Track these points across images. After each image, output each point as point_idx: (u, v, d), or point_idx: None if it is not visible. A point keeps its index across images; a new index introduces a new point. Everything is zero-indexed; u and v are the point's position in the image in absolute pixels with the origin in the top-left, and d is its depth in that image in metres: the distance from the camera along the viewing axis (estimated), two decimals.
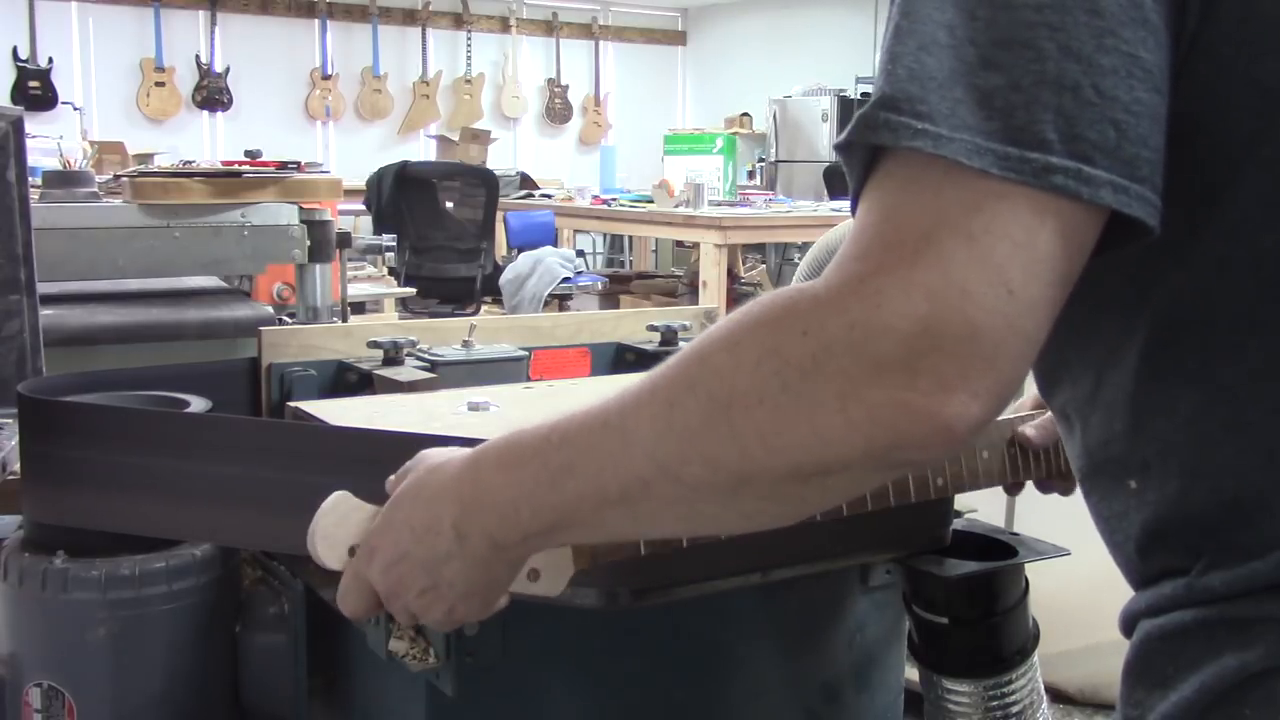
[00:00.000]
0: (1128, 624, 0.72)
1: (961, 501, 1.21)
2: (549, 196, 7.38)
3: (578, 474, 0.66)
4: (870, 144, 0.59)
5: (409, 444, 1.02)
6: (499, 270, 6.39)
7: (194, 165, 3.06)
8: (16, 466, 1.22)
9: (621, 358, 1.56)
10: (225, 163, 3.15)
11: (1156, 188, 0.58)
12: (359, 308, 4.26)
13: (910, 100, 0.57)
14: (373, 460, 1.01)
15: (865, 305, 0.56)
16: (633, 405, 0.64)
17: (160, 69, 8.74)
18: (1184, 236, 0.62)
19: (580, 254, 7.89)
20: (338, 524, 0.81)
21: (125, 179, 2.51)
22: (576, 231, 7.79)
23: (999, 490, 1.10)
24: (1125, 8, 0.57)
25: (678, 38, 11.12)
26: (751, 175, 9.26)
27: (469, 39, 9.90)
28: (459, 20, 9.90)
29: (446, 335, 1.47)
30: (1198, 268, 0.63)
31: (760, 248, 7.45)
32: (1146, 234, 0.58)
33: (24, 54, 8.29)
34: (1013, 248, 0.56)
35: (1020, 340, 0.56)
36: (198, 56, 8.92)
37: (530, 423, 0.70)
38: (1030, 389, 1.08)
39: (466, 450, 0.74)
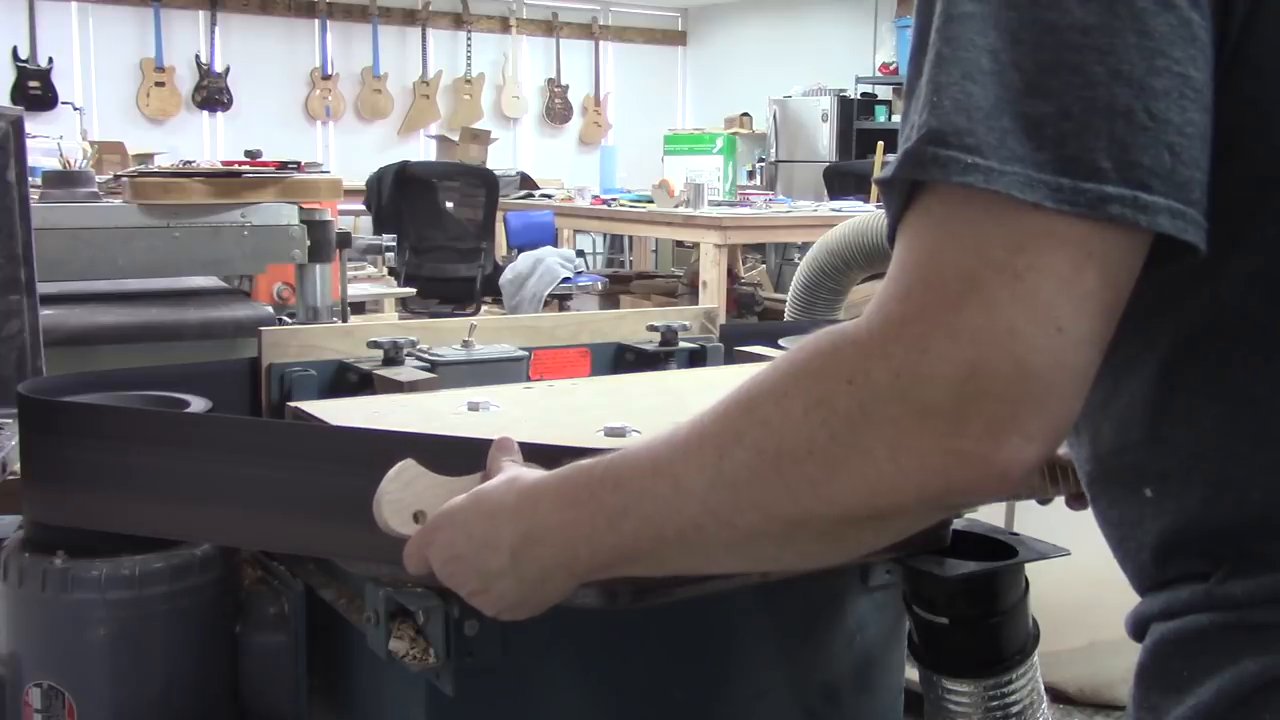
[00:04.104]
0: (1138, 627, 0.72)
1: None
2: (549, 196, 7.38)
3: (633, 517, 0.67)
4: (913, 181, 0.57)
5: (409, 444, 1.02)
6: (499, 270, 6.40)
7: (194, 165, 3.07)
8: (16, 466, 1.22)
9: (621, 358, 1.56)
10: (225, 163, 3.15)
11: (1204, 208, 0.57)
12: (359, 308, 4.26)
13: (958, 133, 0.56)
14: (373, 460, 1.01)
15: (910, 351, 0.55)
16: (682, 453, 0.64)
17: (160, 69, 8.74)
18: (1218, 251, 0.60)
19: (580, 254, 7.90)
20: (403, 489, 0.84)
21: (125, 179, 2.51)
22: (576, 231, 7.79)
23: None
24: (1175, 27, 0.56)
25: (678, 38, 11.12)
26: (751, 175, 9.26)
27: (469, 39, 9.90)
28: (459, 20, 9.90)
29: (446, 335, 1.47)
30: (1229, 281, 0.62)
31: (760, 248, 7.45)
32: (1193, 255, 0.57)
33: (24, 54, 8.29)
34: (1060, 283, 0.54)
35: (1072, 377, 0.55)
36: (198, 56, 8.93)
37: (581, 461, 0.72)
38: None
39: (530, 476, 0.76)
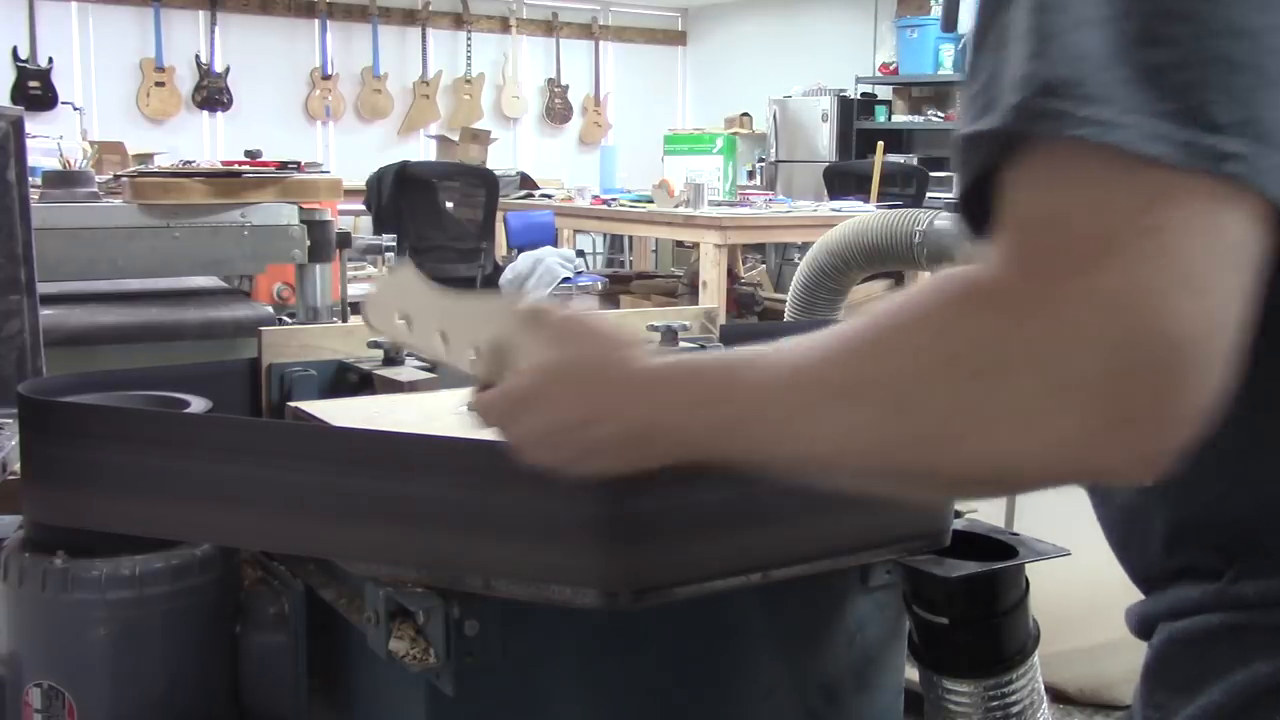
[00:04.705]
0: (1144, 624, 0.71)
1: (961, 501, 1.21)
2: (549, 196, 7.38)
3: (752, 431, 0.66)
4: (1023, 134, 0.54)
5: (409, 444, 1.02)
6: (499, 270, 6.40)
7: (194, 165, 3.07)
8: (16, 466, 1.22)
9: None
10: (225, 163, 3.15)
11: None
12: (359, 308, 4.26)
13: (1072, 83, 0.52)
14: (373, 460, 1.01)
15: (1045, 321, 0.52)
16: (809, 387, 0.62)
17: (160, 69, 8.74)
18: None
19: (580, 254, 7.89)
20: (394, 293, 0.82)
21: (125, 179, 2.51)
22: (576, 231, 7.79)
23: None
24: None
25: (678, 38, 11.12)
26: (751, 175, 9.26)
27: (469, 39, 9.89)
28: (459, 20, 9.90)
29: None
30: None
31: (760, 248, 7.44)
32: None
33: (24, 54, 8.29)
34: (1198, 242, 0.51)
35: (1220, 342, 0.51)
36: (198, 56, 8.92)
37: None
38: None
39: (638, 360, 0.74)
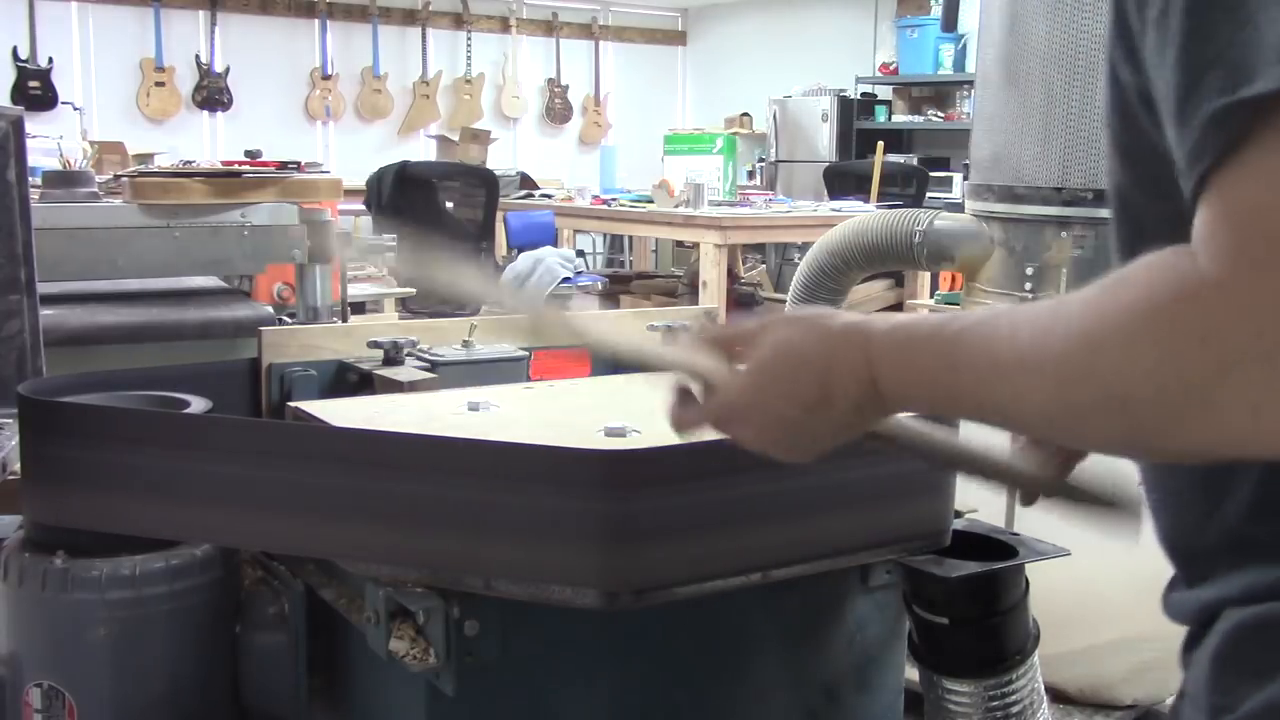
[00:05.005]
0: (1206, 611, 0.71)
1: (961, 501, 1.21)
2: (549, 196, 7.38)
3: (964, 401, 0.68)
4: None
5: (409, 444, 1.02)
6: (499, 270, 6.39)
7: (194, 165, 3.06)
8: (16, 466, 1.22)
9: None
10: (225, 163, 3.15)
11: None
12: (359, 308, 4.26)
13: None
14: (373, 460, 1.01)
15: (1273, 308, 0.53)
16: (1022, 365, 0.63)
17: (160, 69, 8.73)
18: None
19: (580, 254, 7.89)
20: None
21: (125, 179, 2.51)
22: (576, 231, 7.79)
23: (999, 490, 1.10)
24: None
25: (678, 38, 11.11)
26: (751, 175, 9.25)
27: (469, 39, 9.89)
28: (459, 20, 9.89)
29: (446, 335, 1.47)
30: None
31: (760, 248, 7.44)
32: None
33: (24, 54, 8.29)
34: None
35: None
36: (198, 56, 8.92)
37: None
38: None
39: (840, 330, 0.74)
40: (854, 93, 9.13)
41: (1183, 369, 0.55)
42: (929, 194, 6.93)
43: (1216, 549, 0.71)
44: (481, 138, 8.78)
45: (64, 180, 2.48)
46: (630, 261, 8.97)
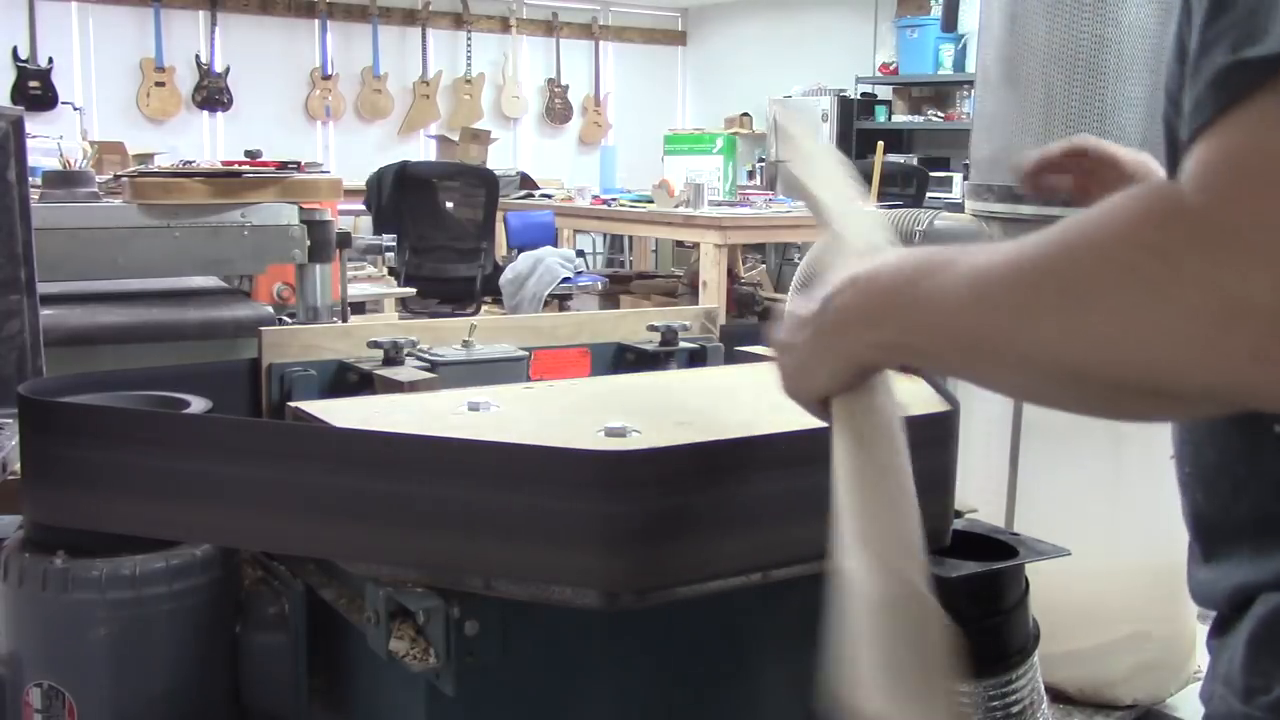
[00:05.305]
0: (1241, 595, 0.71)
1: (961, 501, 1.21)
2: (549, 196, 7.38)
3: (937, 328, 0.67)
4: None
5: (409, 444, 1.02)
6: (499, 270, 6.40)
7: (194, 165, 3.07)
8: (16, 466, 1.22)
9: (622, 358, 1.56)
10: (225, 163, 3.15)
11: None
12: (359, 308, 4.26)
13: None
14: (373, 460, 1.01)
15: (1230, 241, 0.52)
16: (996, 275, 0.63)
17: (160, 69, 8.74)
18: None
19: (580, 254, 7.90)
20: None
21: (125, 179, 2.51)
22: (576, 231, 7.79)
23: (999, 490, 1.10)
24: None
25: (678, 38, 11.12)
26: (751, 175, 9.26)
27: (469, 39, 9.89)
28: (459, 20, 9.90)
29: (446, 335, 1.47)
30: None
31: (760, 248, 7.45)
32: None
33: (24, 54, 8.29)
34: None
35: None
36: (198, 56, 8.92)
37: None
38: None
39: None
40: (854, 93, 9.14)
41: (1133, 281, 0.55)
42: (929, 194, 6.94)
43: (1243, 527, 0.71)
44: (481, 138, 8.78)
45: (64, 180, 2.48)
46: (630, 261, 8.97)
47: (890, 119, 9.02)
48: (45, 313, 1.67)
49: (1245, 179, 0.53)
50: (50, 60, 8.35)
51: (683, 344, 1.56)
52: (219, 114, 9.04)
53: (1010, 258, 0.62)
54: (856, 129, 9.00)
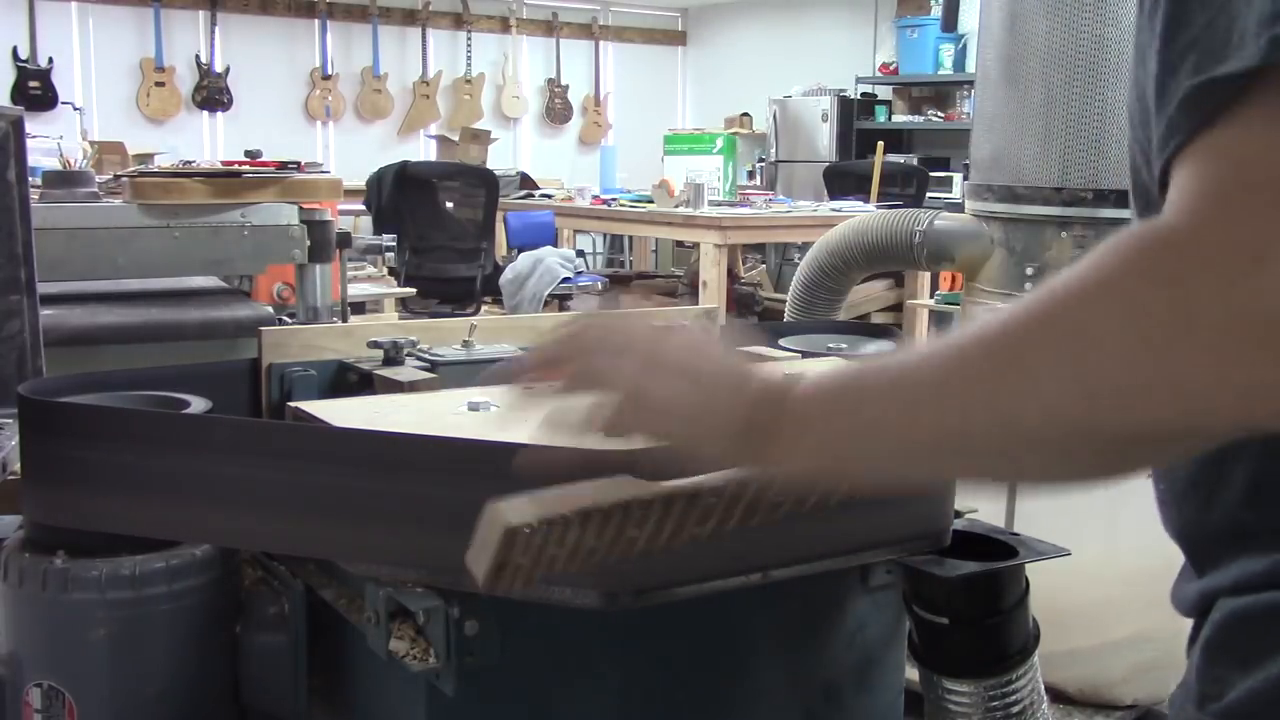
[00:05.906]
0: (1204, 600, 0.71)
1: (961, 501, 1.21)
2: (549, 196, 7.38)
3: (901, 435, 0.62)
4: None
5: (409, 444, 1.02)
6: (499, 270, 6.39)
7: (194, 165, 3.07)
8: (16, 466, 1.22)
9: None
10: (225, 163, 3.15)
11: None
12: (359, 308, 4.26)
13: None
14: (373, 460, 1.01)
15: (1245, 262, 0.51)
16: (972, 376, 0.58)
17: (160, 69, 8.74)
18: None
19: (580, 254, 7.89)
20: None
21: (125, 179, 2.51)
22: (576, 231, 7.79)
23: (999, 490, 1.10)
24: None
25: (678, 38, 11.12)
26: (751, 175, 9.26)
27: (469, 39, 9.89)
28: (459, 20, 9.90)
29: (446, 335, 1.47)
30: None
31: (760, 248, 7.44)
32: None
33: (24, 54, 8.29)
34: None
35: None
36: (198, 56, 8.92)
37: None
38: None
39: (762, 379, 0.71)
40: (854, 93, 9.14)
41: (1147, 323, 0.52)
42: (929, 194, 6.93)
43: (1218, 537, 0.71)
44: (481, 138, 8.78)
45: (64, 180, 2.48)
46: (630, 261, 8.97)
47: (890, 119, 9.02)
48: (45, 313, 1.67)
49: (1245, 193, 0.52)
50: (50, 60, 8.34)
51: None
52: (219, 114, 9.03)
53: (981, 333, 0.58)
54: (856, 129, 9.00)
